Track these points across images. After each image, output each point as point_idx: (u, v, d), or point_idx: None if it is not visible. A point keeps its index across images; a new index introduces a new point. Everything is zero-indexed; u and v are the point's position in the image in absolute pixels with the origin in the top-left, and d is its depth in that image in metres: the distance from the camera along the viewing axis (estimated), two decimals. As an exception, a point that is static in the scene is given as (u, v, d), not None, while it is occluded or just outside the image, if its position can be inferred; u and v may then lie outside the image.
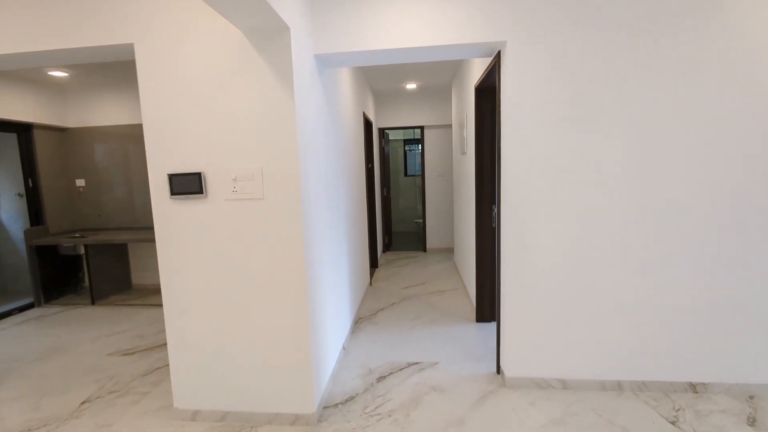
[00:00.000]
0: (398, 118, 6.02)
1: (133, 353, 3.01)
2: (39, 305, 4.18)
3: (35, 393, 2.50)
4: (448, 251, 6.14)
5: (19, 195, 4.34)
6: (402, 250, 6.37)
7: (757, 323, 2.16)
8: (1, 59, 2.10)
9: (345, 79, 3.42)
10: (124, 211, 4.62)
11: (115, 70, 3.82)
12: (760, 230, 2.10)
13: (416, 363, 2.68)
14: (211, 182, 1.98)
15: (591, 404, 2.16)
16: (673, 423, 1.99)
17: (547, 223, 2.21)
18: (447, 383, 2.42)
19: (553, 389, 2.31)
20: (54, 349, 3.13)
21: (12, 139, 4.16)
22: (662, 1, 2.01)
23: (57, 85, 4.34)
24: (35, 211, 4.28)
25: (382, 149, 5.97)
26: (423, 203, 6.21)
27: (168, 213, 2.03)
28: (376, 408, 2.20)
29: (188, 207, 2.01)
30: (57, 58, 2.14)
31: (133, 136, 4.45)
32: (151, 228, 4.20)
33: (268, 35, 1.85)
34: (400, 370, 2.60)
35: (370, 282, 4.60)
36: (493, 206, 3.08)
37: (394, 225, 8.02)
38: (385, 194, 6.17)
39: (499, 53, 2.26)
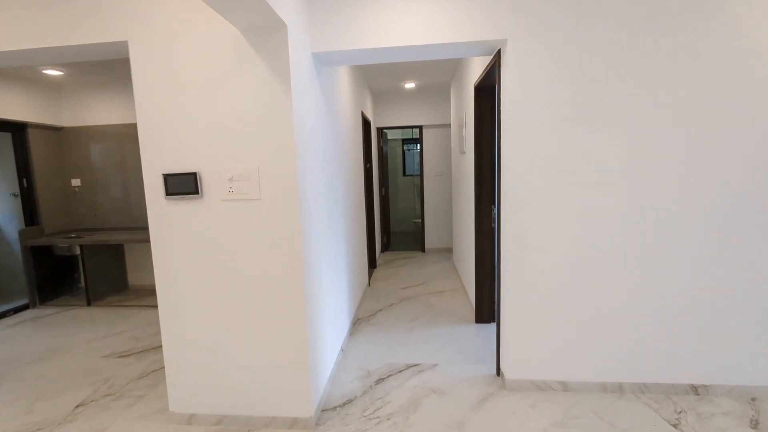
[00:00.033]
0: (397, 117, 5.99)
1: (129, 355, 2.98)
2: (34, 306, 4.13)
3: (29, 396, 2.46)
4: (447, 251, 6.12)
5: (14, 195, 4.30)
6: (400, 250, 6.35)
7: (759, 324, 2.14)
8: (-7, 57, 2.06)
9: (343, 78, 3.39)
10: (120, 211, 4.58)
11: (111, 68, 3.78)
12: (761, 230, 2.08)
13: (415, 365, 2.66)
14: (206, 182, 1.95)
15: (592, 406, 2.14)
16: (675, 426, 1.97)
17: (548, 222, 2.19)
18: (446, 385, 2.40)
19: (553, 391, 2.29)
20: (49, 350, 3.10)
21: (6, 138, 4.12)
22: (663, 1, 1.99)
23: (52, 83, 4.29)
24: (30, 211, 4.24)
25: (380, 149, 5.94)
26: (421, 203, 6.19)
27: (163, 214, 2.00)
28: (375, 411, 2.17)
29: (184, 208, 1.98)
30: (50, 56, 2.10)
31: (130, 135, 4.41)
32: (148, 228, 4.16)
33: (265, 33, 1.82)
34: (399, 372, 2.58)
35: (369, 282, 4.57)
36: (493, 206, 3.06)
37: (393, 225, 7.99)
38: (383, 194, 6.15)
39: (499, 52, 2.24)
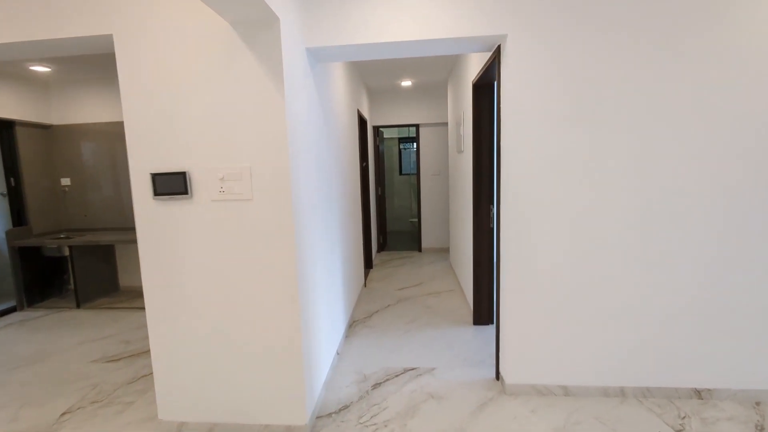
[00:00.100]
0: (393, 115, 5.93)
1: (119, 359, 2.90)
2: (22, 309, 4.04)
3: (14, 403, 2.38)
4: (444, 251, 6.07)
5: (1, 194, 4.19)
6: (397, 250, 6.29)
7: (760, 325, 2.10)
8: (-28, 51, 1.98)
9: (338, 75, 3.32)
10: (111, 211, 4.48)
11: (101, 65, 3.69)
12: (761, 230, 2.05)
13: (413, 369, 2.60)
14: (196, 182, 1.88)
15: (594, 411, 2.09)
16: (679, 431, 1.92)
17: (547, 222, 2.14)
18: (445, 390, 2.34)
19: (554, 396, 2.24)
20: (36, 355, 3.01)
21: (-7, 136, 4.02)
22: (663, 0, 1.95)
23: (40, 80, 4.19)
24: (18, 211, 4.14)
25: (376, 147, 5.88)
26: (418, 202, 6.13)
27: (151, 214, 1.92)
28: (372, 417, 2.11)
29: (172, 208, 1.91)
30: (32, 50, 2.02)
31: (121, 133, 4.31)
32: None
33: (257, 27, 1.75)
34: (396, 376, 2.52)
35: (365, 283, 4.51)
36: (491, 206, 3.01)
37: (389, 224, 7.94)
38: (379, 193, 6.08)
39: (498, 48, 2.18)
